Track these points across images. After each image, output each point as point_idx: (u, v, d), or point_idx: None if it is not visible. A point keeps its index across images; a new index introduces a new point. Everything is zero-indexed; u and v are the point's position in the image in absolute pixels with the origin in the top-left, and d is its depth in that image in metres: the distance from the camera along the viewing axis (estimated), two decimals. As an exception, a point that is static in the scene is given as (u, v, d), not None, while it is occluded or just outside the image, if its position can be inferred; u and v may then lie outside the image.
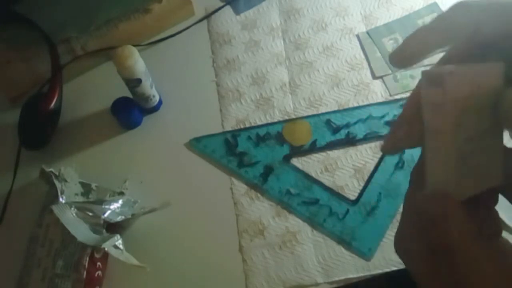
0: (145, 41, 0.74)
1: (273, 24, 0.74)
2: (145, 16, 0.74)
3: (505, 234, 0.27)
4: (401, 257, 0.28)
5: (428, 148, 0.26)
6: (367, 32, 0.72)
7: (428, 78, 0.26)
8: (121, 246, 0.56)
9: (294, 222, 0.61)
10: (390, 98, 0.67)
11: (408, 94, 0.67)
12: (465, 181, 0.26)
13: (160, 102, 0.69)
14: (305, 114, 0.67)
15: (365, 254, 0.58)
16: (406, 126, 0.28)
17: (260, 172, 0.64)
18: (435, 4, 0.73)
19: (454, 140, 0.25)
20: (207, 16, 0.76)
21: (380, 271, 0.57)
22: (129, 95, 0.66)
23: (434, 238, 0.25)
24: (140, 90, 0.64)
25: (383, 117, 0.65)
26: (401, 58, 0.28)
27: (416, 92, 0.28)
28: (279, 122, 0.67)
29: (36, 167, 0.62)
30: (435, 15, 0.72)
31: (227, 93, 0.70)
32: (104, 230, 0.57)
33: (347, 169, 0.63)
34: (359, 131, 0.65)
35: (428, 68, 0.27)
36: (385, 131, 0.65)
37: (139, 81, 0.62)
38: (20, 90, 0.70)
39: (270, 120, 0.67)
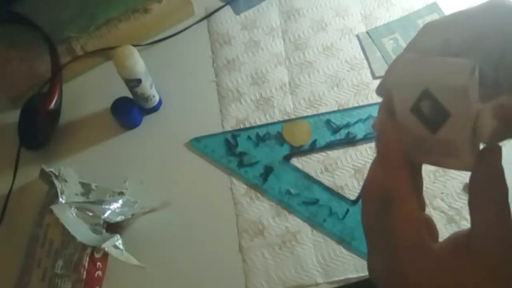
0: (145, 41, 0.74)
1: (273, 24, 0.74)
2: (145, 16, 0.74)
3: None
4: (364, 229, 0.31)
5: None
6: (367, 32, 0.72)
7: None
8: (121, 246, 0.56)
9: (294, 222, 0.61)
10: (390, 98, 0.67)
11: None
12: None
13: (160, 102, 0.69)
14: (305, 114, 0.67)
15: (365, 254, 0.58)
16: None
17: (260, 172, 0.64)
18: (435, 4, 0.73)
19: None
20: (207, 16, 0.76)
21: (380, 271, 0.57)
22: (129, 95, 0.66)
23: (383, 188, 0.28)
24: (140, 90, 0.64)
25: (383, 117, 0.65)
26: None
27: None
28: (279, 122, 0.67)
29: (36, 167, 0.62)
30: (435, 15, 0.72)
31: (227, 93, 0.70)
32: (104, 230, 0.57)
33: (347, 169, 0.63)
34: (359, 131, 0.65)
35: None
36: (385, 131, 0.64)
37: (139, 81, 0.62)
38: (20, 90, 0.70)
39: (270, 120, 0.67)
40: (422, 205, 0.32)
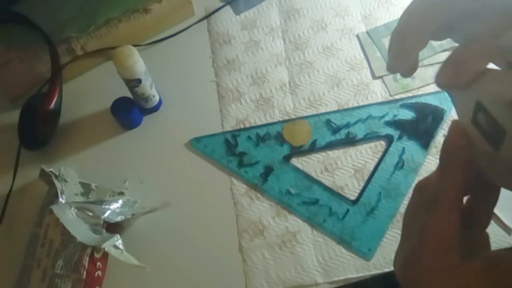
0: (145, 41, 0.74)
1: (273, 24, 0.74)
2: (145, 16, 0.74)
3: (504, 234, 0.28)
4: (404, 217, 0.32)
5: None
6: (367, 32, 0.72)
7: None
8: (121, 246, 0.56)
9: (294, 222, 0.61)
10: (390, 98, 0.67)
11: (408, 94, 0.67)
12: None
13: (160, 102, 0.69)
14: (305, 114, 0.67)
15: (365, 254, 0.58)
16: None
17: (260, 172, 0.64)
18: (435, 4, 0.73)
19: None
20: (207, 16, 0.76)
21: (379, 271, 0.57)
22: (129, 95, 0.66)
23: (432, 190, 0.28)
24: (140, 90, 0.64)
25: (383, 117, 0.65)
26: (402, 59, 0.29)
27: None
28: (279, 122, 0.67)
29: (36, 167, 0.62)
30: (435, 15, 0.72)
31: (227, 93, 0.70)
32: (104, 230, 0.57)
33: (347, 169, 0.63)
34: (359, 131, 0.65)
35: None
36: (385, 131, 0.65)
37: (139, 81, 0.62)
38: (20, 90, 0.70)
39: (270, 120, 0.67)
40: (486, 223, 0.31)
